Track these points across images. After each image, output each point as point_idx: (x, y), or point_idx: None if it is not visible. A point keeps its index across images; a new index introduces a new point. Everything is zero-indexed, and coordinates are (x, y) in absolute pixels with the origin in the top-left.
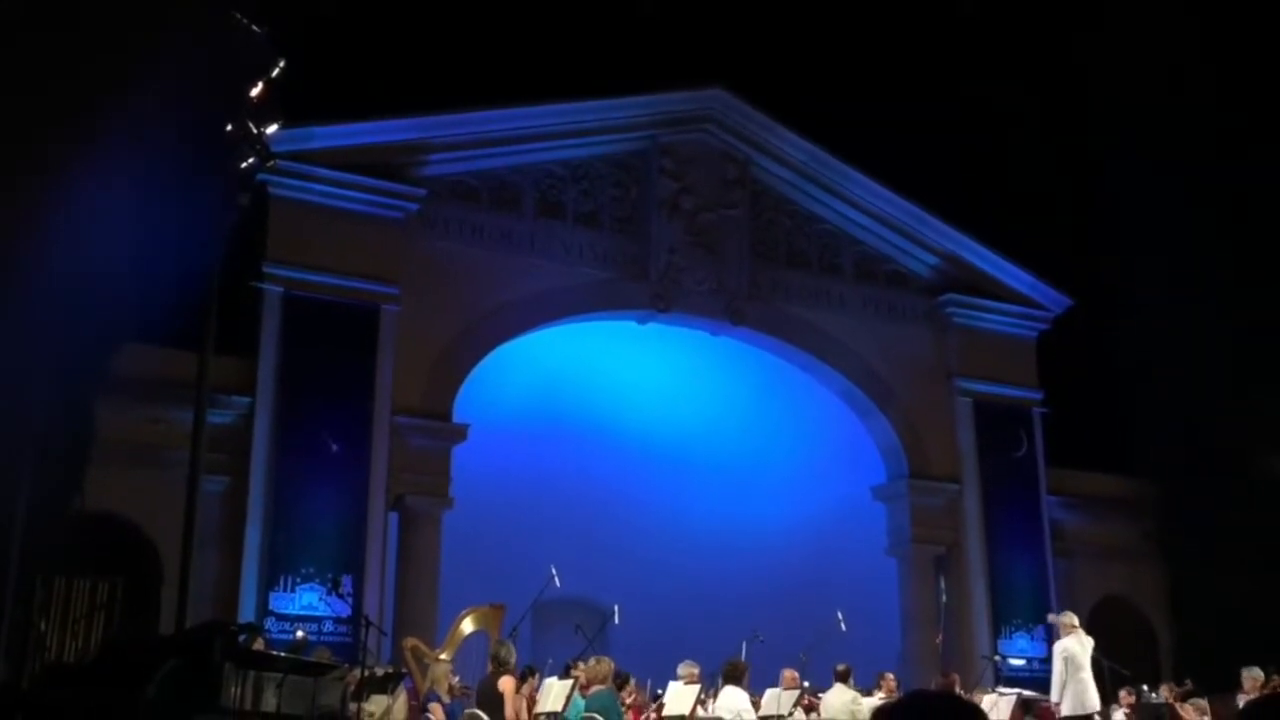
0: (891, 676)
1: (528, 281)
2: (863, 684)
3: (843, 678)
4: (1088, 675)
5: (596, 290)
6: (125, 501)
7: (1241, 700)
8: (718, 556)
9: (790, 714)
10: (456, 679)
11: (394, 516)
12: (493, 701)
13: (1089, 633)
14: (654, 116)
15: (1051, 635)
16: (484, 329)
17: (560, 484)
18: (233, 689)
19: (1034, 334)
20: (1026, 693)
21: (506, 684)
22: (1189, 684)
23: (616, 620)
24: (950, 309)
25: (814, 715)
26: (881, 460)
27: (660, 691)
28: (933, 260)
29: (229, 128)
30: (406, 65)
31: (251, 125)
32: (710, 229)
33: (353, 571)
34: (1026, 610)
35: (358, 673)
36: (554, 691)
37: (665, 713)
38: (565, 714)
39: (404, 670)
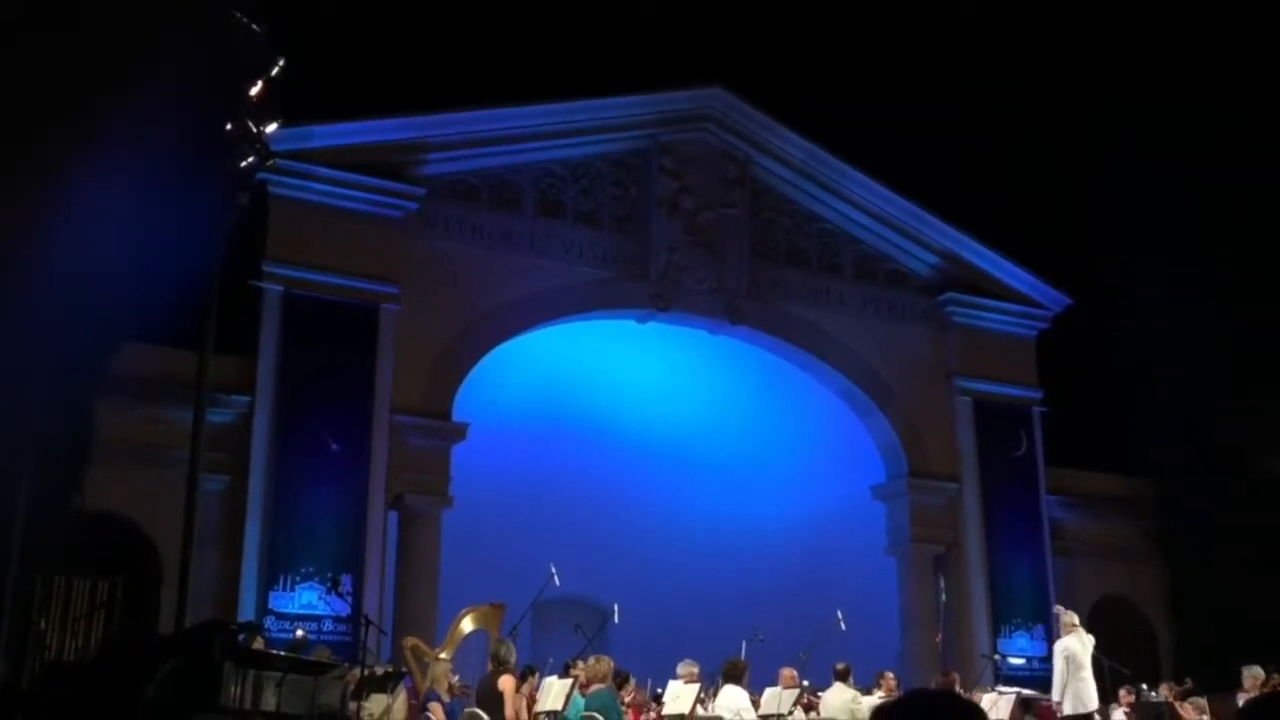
0: (891, 675)
1: (527, 281)
2: (862, 683)
3: (842, 677)
4: (1088, 674)
5: (596, 289)
6: (125, 501)
7: (1242, 699)
8: (717, 555)
9: (790, 713)
10: (456, 678)
11: (394, 515)
12: (493, 700)
13: (1089, 632)
14: (654, 115)
15: (1051, 634)
16: (484, 328)
17: (560, 483)
18: (232, 688)
19: (1034, 333)
20: (1026, 692)
21: (506, 683)
22: (1189, 683)
23: (616, 619)
24: (950, 308)
25: (813, 714)
26: (881, 459)
27: (660, 690)
28: (932, 259)
29: (228, 127)
30: (406, 64)
31: (251, 124)
32: (710, 228)
33: (352, 570)
34: (1026, 609)
35: (357, 672)
36: (554, 690)
37: (665, 711)
38: (565, 713)
39: (404, 669)
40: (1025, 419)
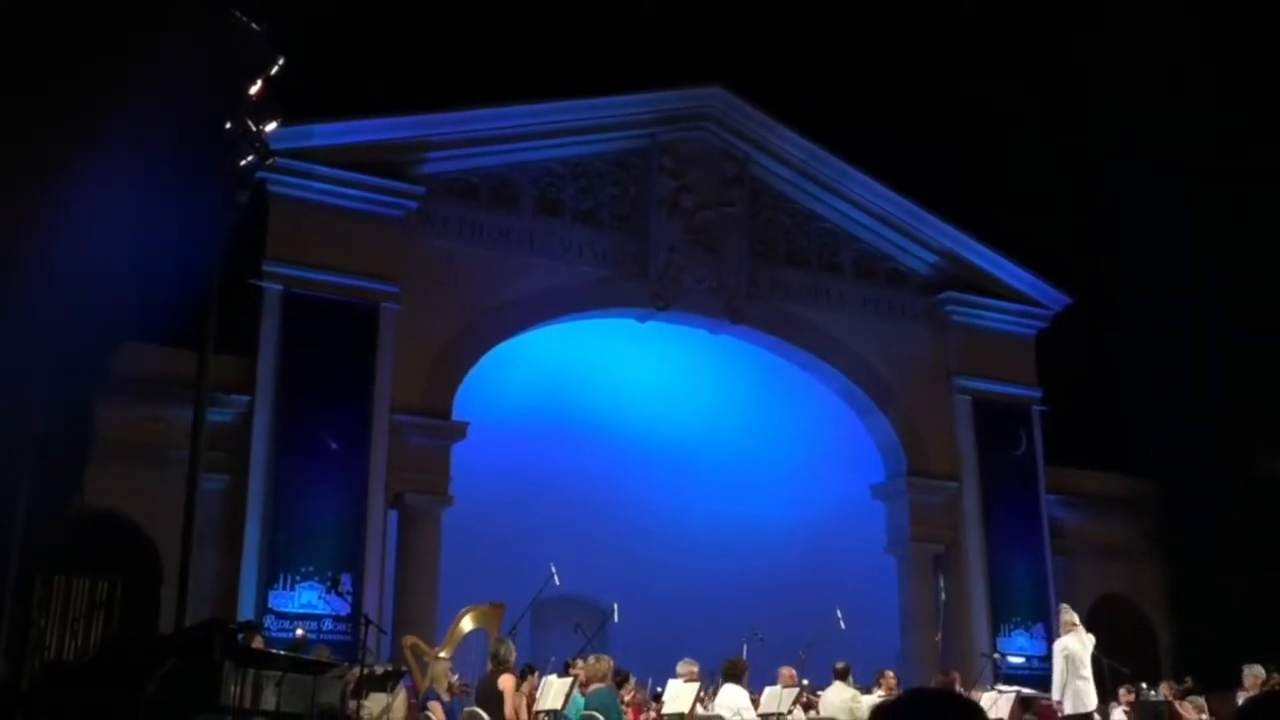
0: (891, 674)
1: (527, 280)
2: (862, 682)
3: (842, 676)
4: (1088, 673)
5: (596, 288)
6: (125, 500)
7: (1242, 698)
8: (717, 554)
9: (789, 712)
10: (456, 677)
11: (393, 514)
12: (492, 700)
13: (1089, 631)
14: (653, 114)
15: (1051, 633)
16: (483, 327)
17: (559, 482)
18: (232, 687)
19: (1033, 332)
20: (1026, 691)
21: (506, 682)
22: (1189, 682)
23: (616, 618)
24: (949, 307)
25: (813, 713)
26: (881, 458)
27: (660, 689)
28: (932, 258)
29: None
30: (406, 63)
31: (251, 123)
32: (709, 227)
33: (352, 570)
34: (1026, 608)
35: (357, 671)
36: (554, 689)
37: (665, 711)
38: (565, 712)
39: (403, 668)
40: (1025, 418)
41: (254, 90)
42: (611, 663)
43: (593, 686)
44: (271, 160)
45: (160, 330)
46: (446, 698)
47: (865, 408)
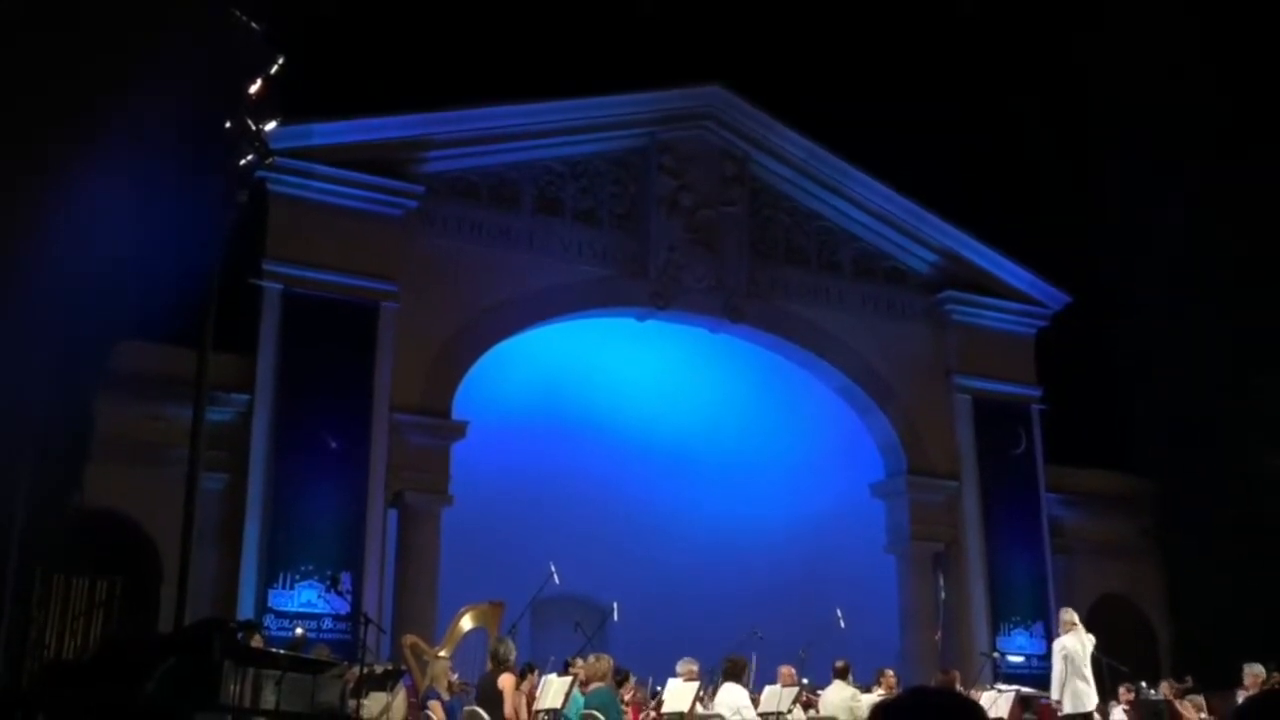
0: (891, 673)
1: (527, 279)
2: (862, 681)
3: (841, 674)
4: (1088, 674)
5: (595, 287)
6: (125, 499)
7: (1241, 696)
8: (717, 553)
9: (789, 711)
10: (456, 676)
11: (393, 513)
12: (492, 699)
13: (1088, 630)
14: (653, 114)
15: (1050, 632)
16: (483, 326)
17: (559, 481)
18: (232, 686)
19: (1033, 331)
20: (1025, 690)
21: (506, 681)
22: (1189, 680)
23: (615, 617)
24: (949, 306)
25: (812, 712)
26: (880, 457)
27: (659, 688)
28: (932, 257)
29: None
30: (406, 62)
31: (250, 122)
32: (709, 226)
33: (352, 569)
34: (1025, 607)
35: (357, 670)
36: (553, 688)
37: (664, 710)
38: (565, 711)
39: (403, 667)
40: (1024, 417)
41: (254, 89)
42: (611, 662)
43: (592, 685)
44: (271, 159)
45: (160, 329)
46: (446, 697)
47: (865, 406)
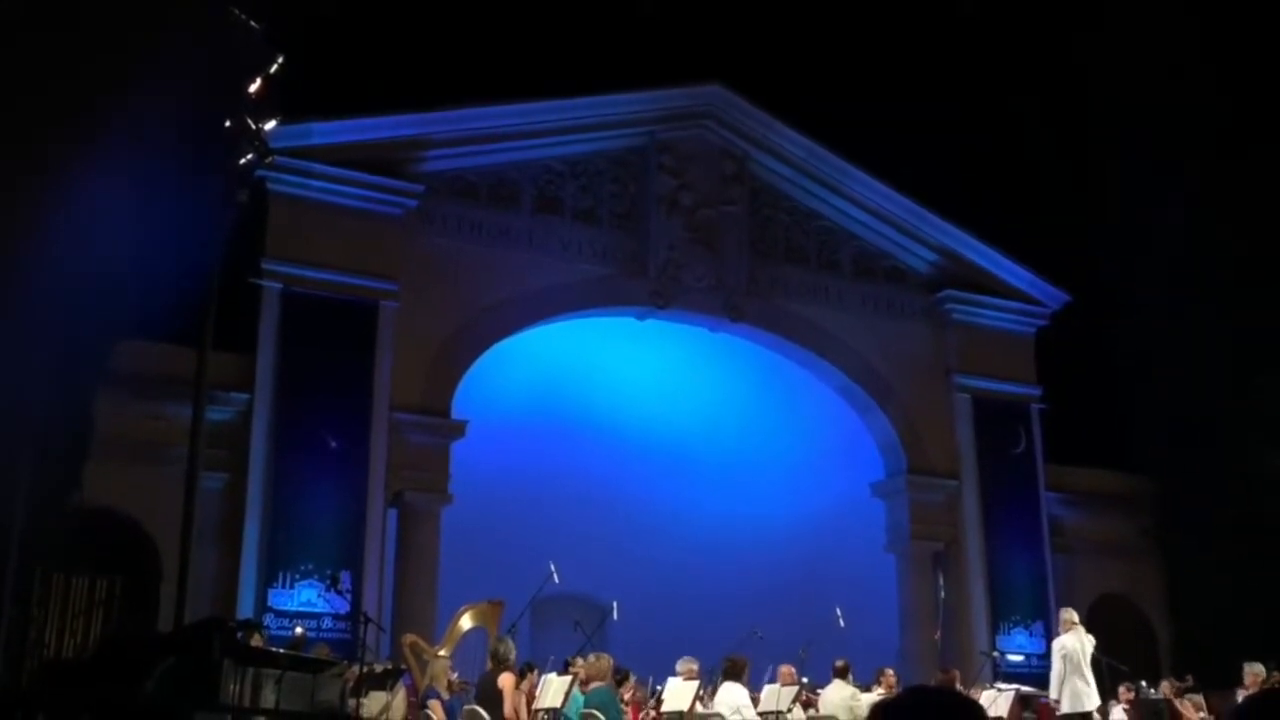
0: (891, 672)
1: (526, 278)
2: (862, 680)
3: (841, 674)
4: (1088, 674)
5: (595, 286)
6: (124, 498)
7: (1241, 696)
8: (716, 552)
9: (789, 710)
10: (455, 675)
11: (393, 513)
12: (492, 698)
13: (1088, 629)
14: (653, 113)
15: (1050, 631)
16: (483, 325)
17: (559, 480)
18: (231, 685)
19: (1032, 330)
20: (1025, 689)
21: (506, 680)
22: (1189, 680)
23: (615, 616)
24: (949, 305)
25: (812, 711)
26: (880, 456)
27: (659, 688)
28: (931, 256)
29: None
30: (405, 62)
31: (250, 121)
32: (709, 225)
33: (351, 568)
34: (1025, 606)
35: (356, 669)
36: (553, 688)
37: (664, 709)
38: (564, 710)
39: (403, 667)
40: (1024, 416)
41: (253, 89)
42: (611, 661)
43: (592, 685)
44: (271, 159)
45: (160, 328)
46: (446, 696)
47: (865, 406)
